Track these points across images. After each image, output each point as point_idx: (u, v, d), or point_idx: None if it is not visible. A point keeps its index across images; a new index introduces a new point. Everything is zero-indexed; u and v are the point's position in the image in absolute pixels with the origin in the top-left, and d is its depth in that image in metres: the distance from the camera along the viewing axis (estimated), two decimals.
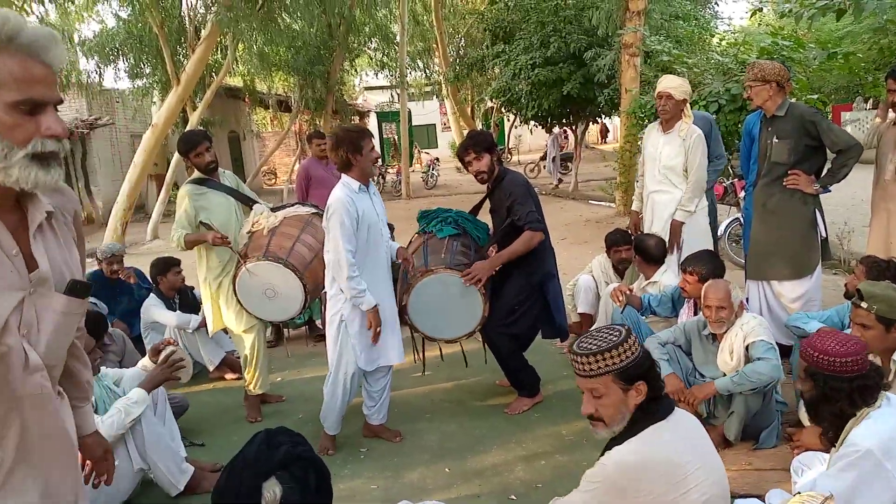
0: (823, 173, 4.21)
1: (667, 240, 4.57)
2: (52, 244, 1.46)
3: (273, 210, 4.22)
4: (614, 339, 2.07)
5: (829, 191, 4.18)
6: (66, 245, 1.51)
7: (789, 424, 3.44)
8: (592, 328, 2.16)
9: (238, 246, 4.09)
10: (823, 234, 4.22)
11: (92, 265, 5.96)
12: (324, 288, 3.94)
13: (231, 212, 4.19)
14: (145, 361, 3.62)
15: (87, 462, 1.84)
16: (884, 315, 2.71)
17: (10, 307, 1.35)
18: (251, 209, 4.24)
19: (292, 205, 4.35)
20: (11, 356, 1.37)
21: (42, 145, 1.33)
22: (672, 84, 4.53)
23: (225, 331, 4.45)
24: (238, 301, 4.01)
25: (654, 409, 2.09)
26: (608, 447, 2.14)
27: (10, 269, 1.36)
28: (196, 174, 4.20)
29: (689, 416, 2.24)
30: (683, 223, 4.56)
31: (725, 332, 3.41)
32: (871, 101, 19.97)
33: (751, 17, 7.85)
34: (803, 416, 3.04)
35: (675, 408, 2.16)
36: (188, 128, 14.02)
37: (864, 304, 2.74)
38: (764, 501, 2.66)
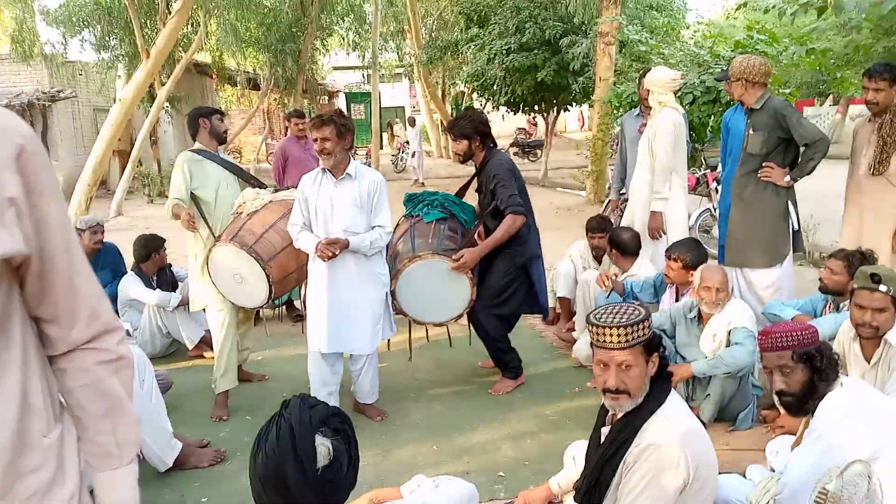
0: None
1: (646, 227, 4.62)
2: None
3: (276, 192, 4.15)
4: (639, 312, 2.17)
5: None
6: None
7: (764, 407, 3.59)
8: (601, 307, 2.23)
9: (222, 225, 4.01)
10: (795, 227, 4.34)
11: None
12: (297, 278, 4.04)
13: (223, 186, 4.07)
14: None
15: None
16: None
17: None
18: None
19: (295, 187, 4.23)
20: None
21: None
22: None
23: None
24: (211, 280, 3.97)
25: (664, 379, 2.24)
26: (624, 426, 2.20)
27: None
28: (197, 145, 4.10)
29: None
30: (661, 212, 4.55)
31: (713, 315, 3.52)
32: (830, 97, 20.52)
33: (736, 9, 8.03)
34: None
35: None
36: (155, 104, 13.74)
37: (882, 288, 2.81)
38: (745, 477, 2.79)
